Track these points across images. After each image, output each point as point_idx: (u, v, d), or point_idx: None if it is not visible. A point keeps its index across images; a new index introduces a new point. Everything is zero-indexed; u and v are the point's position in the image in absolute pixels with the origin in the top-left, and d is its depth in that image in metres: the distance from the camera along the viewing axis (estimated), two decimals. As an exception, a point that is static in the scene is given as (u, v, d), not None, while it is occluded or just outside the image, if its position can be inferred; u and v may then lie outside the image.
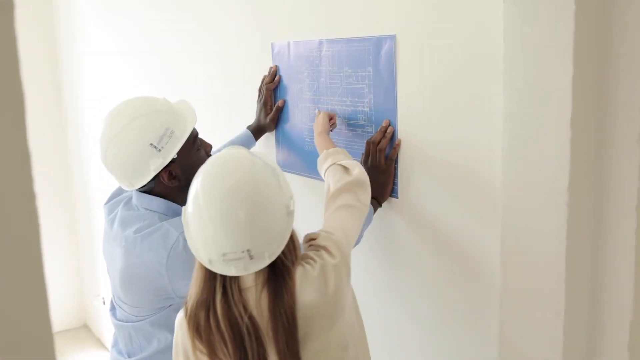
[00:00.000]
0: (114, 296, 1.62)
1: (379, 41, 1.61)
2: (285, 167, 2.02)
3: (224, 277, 1.16)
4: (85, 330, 4.27)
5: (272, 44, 1.99)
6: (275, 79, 1.98)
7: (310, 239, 1.28)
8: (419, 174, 1.58)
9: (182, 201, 1.55)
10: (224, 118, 2.32)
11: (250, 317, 1.14)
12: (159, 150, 1.44)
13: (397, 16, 1.56)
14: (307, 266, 1.20)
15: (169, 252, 1.41)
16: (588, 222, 1.21)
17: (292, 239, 1.20)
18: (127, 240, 1.47)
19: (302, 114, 1.92)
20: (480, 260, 1.45)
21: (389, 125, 1.62)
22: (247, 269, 1.13)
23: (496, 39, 1.28)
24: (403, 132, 1.60)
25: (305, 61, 1.87)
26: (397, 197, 1.65)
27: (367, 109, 1.69)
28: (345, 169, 1.45)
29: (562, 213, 1.17)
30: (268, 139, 2.08)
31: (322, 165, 1.54)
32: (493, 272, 1.40)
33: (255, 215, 1.11)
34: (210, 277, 1.17)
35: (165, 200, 1.51)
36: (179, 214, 1.51)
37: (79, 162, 3.90)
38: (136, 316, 1.54)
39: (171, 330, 1.51)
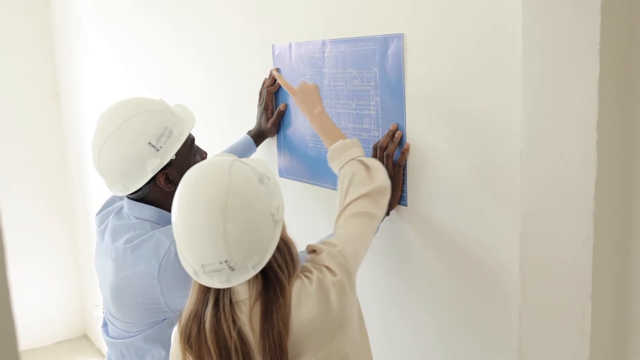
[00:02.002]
0: (106, 312, 1.54)
1: (385, 40, 1.54)
2: (287, 173, 1.97)
3: (217, 289, 1.13)
4: (85, 341, 4.25)
5: (272, 46, 1.94)
6: (277, 82, 1.91)
7: (312, 251, 1.23)
8: (429, 181, 1.50)
9: None
10: (224, 123, 2.28)
11: (240, 333, 1.11)
12: (157, 150, 1.39)
13: (405, 14, 1.49)
14: (305, 280, 1.15)
15: (161, 263, 1.36)
16: (615, 231, 1.12)
17: (289, 250, 1.16)
18: (117, 252, 1.41)
19: (304, 119, 1.86)
20: (497, 272, 1.36)
21: (397, 129, 1.55)
22: (230, 281, 1.10)
23: (513, 37, 1.20)
24: (412, 136, 1.52)
25: (307, 63, 1.81)
26: (405, 205, 1.57)
27: (373, 112, 1.62)
28: (367, 168, 1.37)
29: (588, 222, 1.09)
30: (269, 144, 2.03)
31: (339, 158, 1.42)
32: (511, 285, 1.31)
33: (230, 224, 1.07)
34: (204, 288, 1.15)
35: (157, 209, 1.45)
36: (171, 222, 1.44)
37: (79, 171, 3.88)
38: (128, 332, 1.47)
39: (166, 346, 1.45)
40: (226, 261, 1.07)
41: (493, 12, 1.27)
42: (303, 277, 1.16)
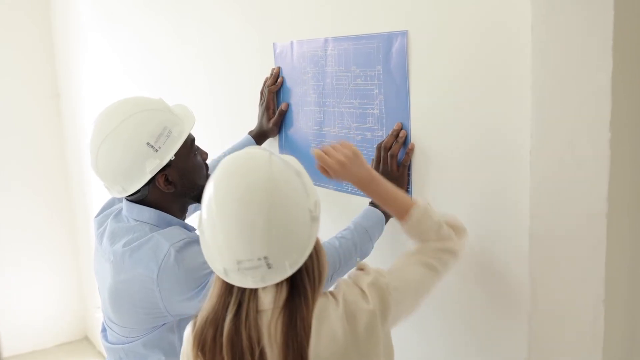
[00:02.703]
0: (104, 317, 1.51)
1: (389, 38, 1.51)
2: None
3: (241, 294, 1.06)
4: (86, 343, 4.23)
5: (274, 44, 1.91)
6: (278, 81, 1.90)
7: (360, 269, 1.16)
8: (434, 181, 1.47)
9: (176, 210, 1.46)
10: (225, 123, 2.26)
11: (259, 344, 1.04)
12: (156, 151, 1.36)
13: (409, 10, 1.46)
14: (330, 298, 1.08)
15: (160, 266, 1.32)
16: (629, 233, 1.08)
17: (318, 255, 1.08)
18: (116, 255, 1.38)
19: (306, 118, 1.84)
20: (505, 276, 1.32)
21: (401, 129, 1.52)
22: (265, 280, 1.03)
23: (523, 32, 1.16)
24: (416, 136, 1.49)
25: (309, 61, 1.79)
26: (410, 206, 1.53)
27: (376, 112, 1.59)
28: (457, 229, 1.25)
29: (601, 224, 1.05)
30: (271, 144, 1.99)
31: (426, 226, 1.23)
32: (520, 290, 1.27)
33: (272, 218, 1.01)
34: (225, 291, 1.07)
35: (157, 211, 1.42)
36: (171, 224, 1.42)
37: (79, 171, 3.87)
38: (127, 337, 1.44)
39: (166, 351, 1.41)
40: (265, 257, 1.01)
41: (501, 7, 1.23)
42: (329, 295, 1.09)
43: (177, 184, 1.42)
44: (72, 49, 3.67)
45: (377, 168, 1.52)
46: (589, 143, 1.05)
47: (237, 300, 1.06)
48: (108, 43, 3.20)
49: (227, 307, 1.06)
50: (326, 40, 1.70)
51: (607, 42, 0.99)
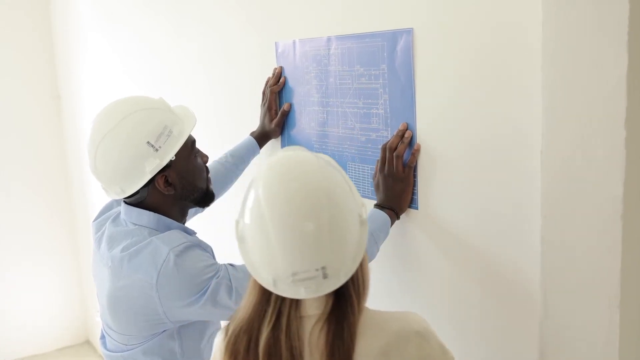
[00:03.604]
0: (103, 323, 1.48)
1: (393, 36, 1.48)
2: None
3: (281, 302, 0.99)
4: (87, 347, 4.22)
5: (275, 43, 1.89)
6: (280, 80, 1.87)
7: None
8: (441, 183, 1.43)
9: (176, 214, 1.42)
10: (226, 124, 2.23)
11: (301, 354, 0.98)
12: (156, 150, 1.33)
13: (414, 7, 1.42)
14: (376, 312, 1.03)
15: (159, 271, 1.28)
16: (645, 237, 1.04)
17: (362, 262, 1.02)
18: (114, 260, 1.34)
19: (309, 118, 1.81)
20: (515, 281, 1.28)
21: (407, 129, 1.48)
22: (318, 290, 0.96)
23: (533, 28, 1.12)
24: (422, 136, 1.46)
25: (312, 61, 1.76)
26: (416, 208, 1.50)
27: (381, 112, 1.55)
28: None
29: (616, 226, 1.01)
30: (273, 145, 1.97)
31: None
32: (531, 295, 1.23)
33: (333, 226, 0.95)
34: (263, 299, 1.00)
35: (156, 214, 1.39)
36: (171, 228, 1.39)
37: (79, 173, 3.85)
38: (126, 345, 1.41)
39: (166, 359, 1.37)
40: (323, 267, 0.94)
41: (510, 2, 1.20)
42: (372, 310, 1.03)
43: (176, 186, 1.39)
44: (72, 50, 3.66)
45: (382, 169, 1.49)
46: (602, 142, 1.01)
47: (276, 308, 0.99)
48: (108, 43, 3.18)
49: (264, 316, 1.00)
50: (329, 38, 1.67)
51: (622, 37, 0.95)
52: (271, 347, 0.97)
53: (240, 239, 1.01)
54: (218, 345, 1.07)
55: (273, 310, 0.99)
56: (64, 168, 4.05)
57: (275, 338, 0.98)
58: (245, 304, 1.03)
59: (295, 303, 0.99)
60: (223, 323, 1.49)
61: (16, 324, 3.92)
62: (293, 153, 1.03)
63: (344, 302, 0.99)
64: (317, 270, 0.94)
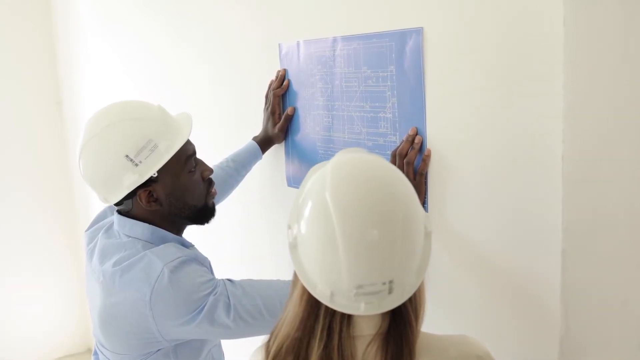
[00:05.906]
0: (96, 340, 1.41)
1: (402, 36, 1.42)
2: (296, 183, 1.87)
3: (331, 317, 0.92)
4: (88, 355, 4.20)
5: (279, 45, 1.84)
6: (284, 83, 1.82)
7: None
8: (453, 190, 1.36)
9: (169, 227, 1.34)
10: (228, 128, 2.18)
11: None
12: (136, 165, 1.26)
13: (424, 5, 1.36)
14: (431, 334, 0.96)
15: (153, 288, 1.21)
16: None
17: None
18: (105, 275, 1.27)
19: (314, 123, 1.76)
20: (534, 296, 1.21)
21: (417, 134, 1.42)
22: (380, 307, 0.89)
23: (554, 25, 1.04)
24: (433, 142, 1.39)
25: (317, 62, 1.70)
26: (427, 218, 1.42)
27: (389, 115, 1.49)
28: None
29: (646, 240, 0.93)
30: (277, 151, 1.93)
31: None
32: (551, 311, 1.15)
33: (405, 236, 0.88)
34: (310, 314, 0.92)
35: (151, 226, 1.32)
36: (166, 240, 1.31)
37: (81, 180, 3.78)
38: (119, 364, 1.32)
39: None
40: (390, 282, 0.87)
41: (527, 3, 1.12)
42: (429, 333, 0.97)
43: (163, 202, 1.31)
44: (74, 55, 3.64)
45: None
46: (629, 147, 0.93)
47: (325, 324, 0.91)
48: (109, 45, 3.16)
49: (312, 332, 0.92)
50: (335, 39, 1.61)
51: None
52: None
53: (293, 246, 0.93)
54: None
55: (323, 326, 0.91)
56: (66, 175, 4.02)
57: (327, 357, 0.90)
58: (290, 319, 0.94)
59: (347, 321, 0.92)
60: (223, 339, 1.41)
61: (17, 333, 3.92)
62: (359, 155, 0.96)
63: (402, 322, 0.92)
64: (384, 284, 0.87)
